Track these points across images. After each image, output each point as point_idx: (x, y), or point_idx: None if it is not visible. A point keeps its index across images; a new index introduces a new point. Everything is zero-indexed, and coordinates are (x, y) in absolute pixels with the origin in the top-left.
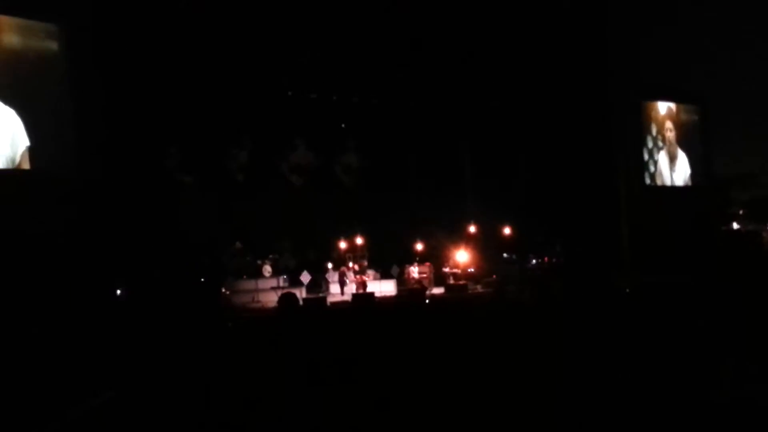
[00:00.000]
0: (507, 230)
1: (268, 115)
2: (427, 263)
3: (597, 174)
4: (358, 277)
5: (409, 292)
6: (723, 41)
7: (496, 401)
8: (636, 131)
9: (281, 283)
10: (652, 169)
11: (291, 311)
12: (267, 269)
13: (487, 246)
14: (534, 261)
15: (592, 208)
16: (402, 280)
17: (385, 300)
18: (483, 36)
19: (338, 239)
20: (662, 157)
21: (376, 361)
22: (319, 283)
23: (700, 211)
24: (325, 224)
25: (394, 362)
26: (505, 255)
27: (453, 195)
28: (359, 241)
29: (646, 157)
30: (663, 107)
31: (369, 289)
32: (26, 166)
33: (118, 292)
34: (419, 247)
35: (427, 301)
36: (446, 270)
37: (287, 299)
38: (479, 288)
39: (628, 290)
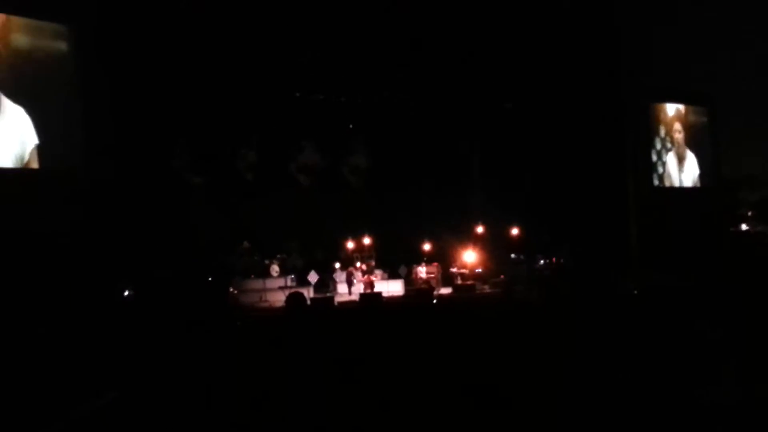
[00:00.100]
0: (515, 230)
1: (277, 115)
2: (435, 263)
3: (606, 175)
4: (365, 277)
5: (417, 292)
6: (732, 43)
7: (503, 401)
8: (645, 133)
9: (289, 283)
10: (660, 170)
11: (299, 311)
12: (275, 269)
13: (494, 246)
14: (542, 261)
15: (601, 209)
16: (409, 280)
17: (393, 300)
18: (493, 38)
19: (346, 239)
20: (671, 159)
21: (384, 361)
22: (326, 283)
23: (708, 213)
24: (333, 224)
25: (402, 362)
26: (513, 255)
27: (461, 195)
28: (367, 241)
29: (654, 158)
30: (672, 109)
31: (376, 289)
32: (35, 164)
33: (126, 292)
34: (427, 247)
35: (434, 301)
36: (454, 270)
37: (295, 299)
38: (487, 288)
39: (636, 292)
